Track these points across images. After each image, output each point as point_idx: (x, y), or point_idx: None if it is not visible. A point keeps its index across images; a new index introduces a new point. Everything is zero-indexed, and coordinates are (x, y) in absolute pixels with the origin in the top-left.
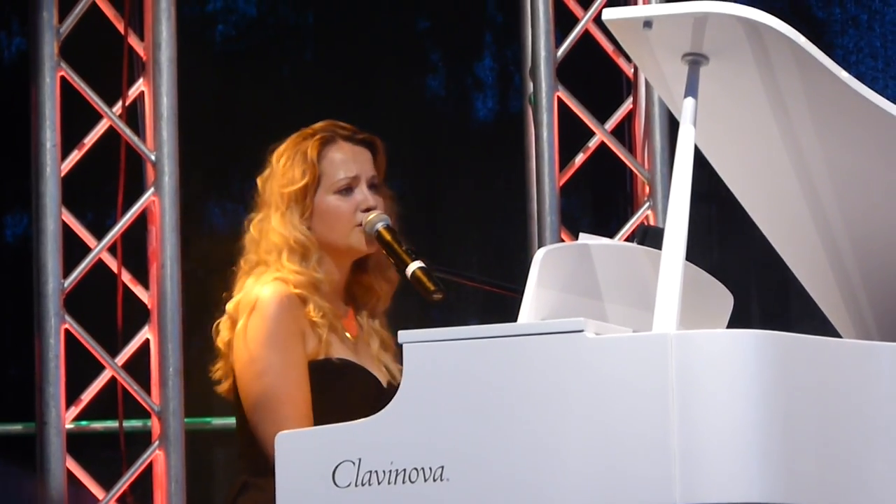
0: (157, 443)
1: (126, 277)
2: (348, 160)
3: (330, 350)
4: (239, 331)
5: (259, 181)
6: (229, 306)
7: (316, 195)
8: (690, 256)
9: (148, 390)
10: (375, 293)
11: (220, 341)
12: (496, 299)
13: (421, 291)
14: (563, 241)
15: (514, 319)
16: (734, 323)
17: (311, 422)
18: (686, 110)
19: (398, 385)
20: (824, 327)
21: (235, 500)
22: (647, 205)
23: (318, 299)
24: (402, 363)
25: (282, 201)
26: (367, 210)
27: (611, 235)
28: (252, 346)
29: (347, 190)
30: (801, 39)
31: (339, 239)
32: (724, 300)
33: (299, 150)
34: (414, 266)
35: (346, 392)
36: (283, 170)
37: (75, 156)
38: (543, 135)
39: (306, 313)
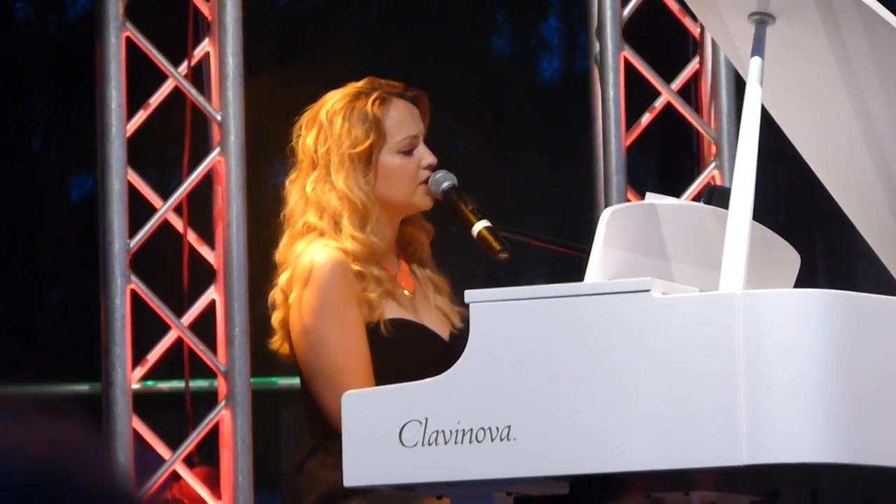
0: (223, 403)
1: (192, 238)
2: (407, 119)
3: (384, 312)
4: (293, 301)
5: (308, 141)
6: (281, 280)
7: (380, 155)
8: (757, 216)
9: (214, 350)
10: (419, 242)
11: (276, 319)
12: (562, 259)
13: (487, 251)
14: (629, 201)
15: (581, 279)
16: (801, 282)
17: (372, 386)
18: (753, 70)
19: (459, 332)
20: (891, 287)
21: (303, 464)
22: (713, 165)
23: (375, 270)
24: (457, 304)
25: (345, 162)
26: (429, 167)
27: (677, 195)
28: (307, 317)
29: (410, 149)
30: None
31: (403, 198)
32: (791, 260)
33: (356, 109)
34: (480, 226)
35: (404, 352)
36: (342, 130)
37: (141, 116)
38: (609, 95)
39: (362, 289)
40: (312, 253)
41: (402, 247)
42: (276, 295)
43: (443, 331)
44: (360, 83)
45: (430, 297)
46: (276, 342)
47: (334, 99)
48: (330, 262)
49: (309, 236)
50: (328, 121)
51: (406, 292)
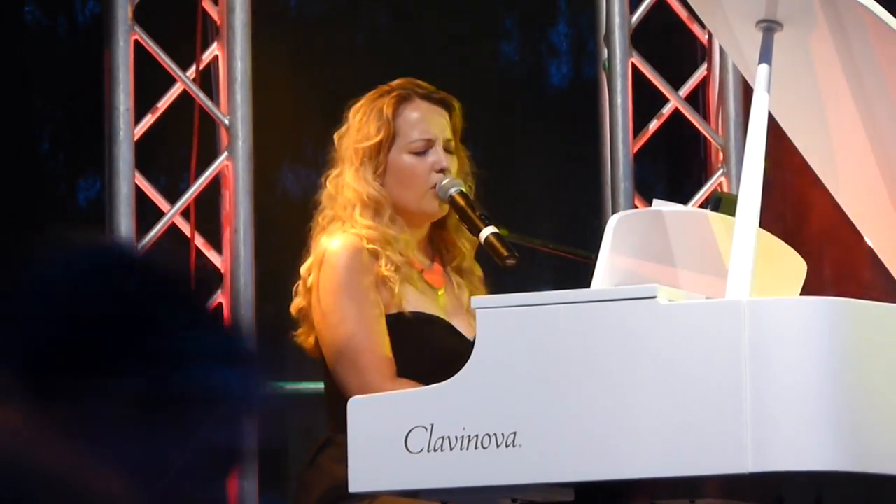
0: None
1: (199, 242)
2: (425, 120)
3: (403, 303)
4: (312, 285)
5: (336, 137)
6: (303, 269)
7: (390, 153)
8: (764, 223)
9: None
10: (459, 250)
11: (294, 308)
12: (569, 265)
13: (494, 257)
14: (636, 207)
15: (588, 286)
16: (807, 290)
17: (392, 369)
18: (760, 77)
19: None
20: None
21: (315, 457)
22: (720, 171)
23: (391, 253)
24: None
25: (356, 157)
26: (441, 171)
27: (684, 202)
28: (325, 299)
29: (423, 150)
30: (875, 7)
31: (411, 200)
32: (797, 267)
33: (375, 107)
34: (487, 231)
35: (421, 344)
36: (358, 125)
37: (148, 120)
38: (617, 101)
39: (377, 267)
40: (329, 239)
41: (439, 251)
42: (298, 286)
43: (468, 334)
44: (395, 82)
45: (464, 300)
46: (302, 335)
47: (365, 96)
48: (346, 246)
49: (330, 227)
50: (353, 117)
51: (432, 286)
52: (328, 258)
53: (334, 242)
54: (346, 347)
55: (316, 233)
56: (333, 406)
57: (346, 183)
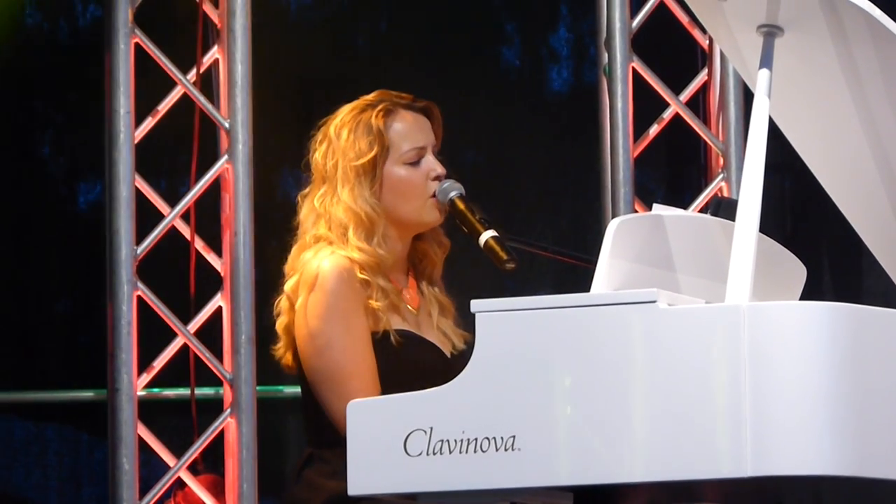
0: (228, 410)
1: (199, 245)
2: (413, 130)
3: (391, 323)
4: (299, 307)
5: (317, 156)
6: (287, 287)
7: (385, 167)
8: (764, 228)
9: (220, 358)
10: (431, 259)
11: (280, 325)
12: (570, 270)
13: (494, 261)
14: (636, 212)
15: (588, 290)
16: (807, 295)
17: (378, 393)
18: (761, 82)
19: (460, 352)
20: None
21: (301, 472)
22: (721, 176)
23: (381, 281)
24: (462, 328)
25: (350, 175)
26: (437, 178)
27: (685, 207)
28: (313, 322)
29: (416, 160)
30: (877, 12)
31: (410, 212)
32: (797, 272)
33: (362, 122)
34: (487, 235)
35: (407, 364)
36: (347, 143)
37: (149, 123)
38: (618, 106)
39: (367, 297)
40: (319, 260)
41: (412, 263)
42: (282, 302)
43: (444, 349)
44: (371, 96)
45: (434, 316)
46: (280, 349)
47: (344, 112)
48: (337, 269)
49: (317, 246)
50: (336, 135)
51: (410, 308)
52: (319, 281)
53: (325, 263)
54: (334, 372)
55: (300, 249)
56: (313, 422)
57: (338, 202)
